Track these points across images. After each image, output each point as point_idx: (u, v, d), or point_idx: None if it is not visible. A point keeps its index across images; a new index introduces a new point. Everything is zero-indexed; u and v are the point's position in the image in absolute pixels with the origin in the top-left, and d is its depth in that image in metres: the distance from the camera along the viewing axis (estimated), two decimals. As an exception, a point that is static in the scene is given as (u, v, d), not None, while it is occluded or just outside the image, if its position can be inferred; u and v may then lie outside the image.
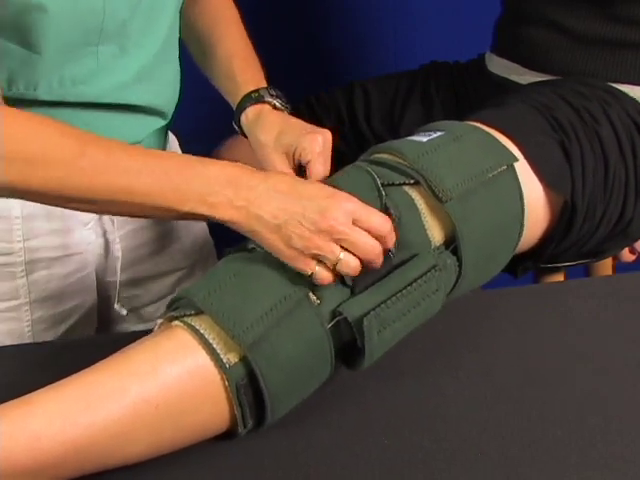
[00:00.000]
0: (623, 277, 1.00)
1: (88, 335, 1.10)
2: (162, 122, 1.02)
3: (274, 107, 0.97)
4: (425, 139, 0.86)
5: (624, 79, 1.06)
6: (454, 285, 0.83)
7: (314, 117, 1.33)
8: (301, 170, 0.91)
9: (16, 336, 1.00)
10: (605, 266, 1.33)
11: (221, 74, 1.04)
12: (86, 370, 0.71)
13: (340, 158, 0.96)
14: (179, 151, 1.18)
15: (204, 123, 1.38)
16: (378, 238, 0.75)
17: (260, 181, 0.75)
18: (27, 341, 1.00)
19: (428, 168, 0.82)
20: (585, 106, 0.99)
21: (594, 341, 0.87)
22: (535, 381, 0.82)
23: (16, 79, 0.86)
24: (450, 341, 0.88)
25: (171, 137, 1.15)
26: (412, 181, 0.82)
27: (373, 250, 0.74)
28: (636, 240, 1.10)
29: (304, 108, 1.34)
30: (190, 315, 0.73)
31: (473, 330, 0.90)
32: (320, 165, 0.88)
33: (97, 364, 0.71)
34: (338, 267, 0.74)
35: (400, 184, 0.82)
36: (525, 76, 1.14)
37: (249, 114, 0.97)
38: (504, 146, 0.88)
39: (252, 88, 0.98)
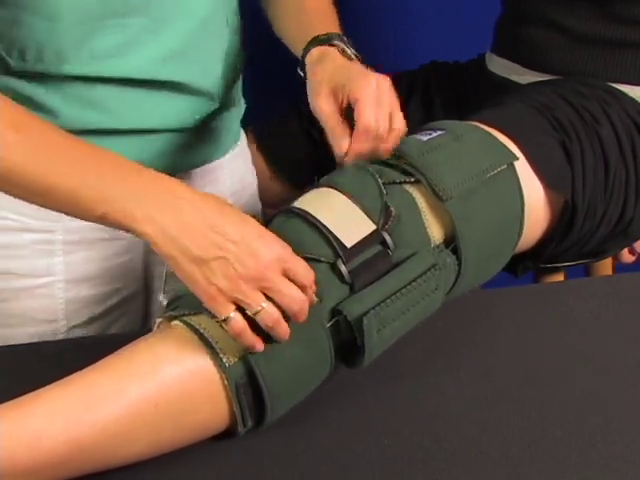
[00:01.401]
0: (623, 277, 1.00)
1: (89, 335, 1.10)
2: (213, 105, 0.98)
3: (342, 52, 0.91)
4: (425, 138, 0.86)
5: (624, 79, 1.06)
6: (453, 284, 0.83)
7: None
8: (349, 115, 0.86)
9: (49, 312, 0.99)
10: (605, 266, 1.33)
11: (291, 23, 1.01)
12: (86, 370, 0.71)
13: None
14: (247, 154, 1.16)
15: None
16: (301, 288, 0.71)
17: (187, 202, 0.70)
18: (60, 318, 0.99)
19: (429, 167, 0.82)
20: (585, 106, 0.99)
21: (594, 341, 0.87)
22: (535, 381, 0.82)
23: (44, 51, 0.86)
24: (450, 341, 0.88)
25: (243, 136, 1.14)
26: (412, 179, 0.82)
27: (298, 302, 0.70)
28: (636, 240, 1.10)
29: (305, 108, 1.33)
30: (189, 314, 0.73)
31: (473, 330, 0.90)
32: (369, 109, 0.83)
33: (97, 363, 0.71)
34: (258, 317, 0.69)
35: (400, 182, 0.82)
36: (525, 76, 1.14)
37: (314, 54, 0.92)
38: (504, 145, 0.88)
39: (324, 31, 0.93)
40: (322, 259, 0.76)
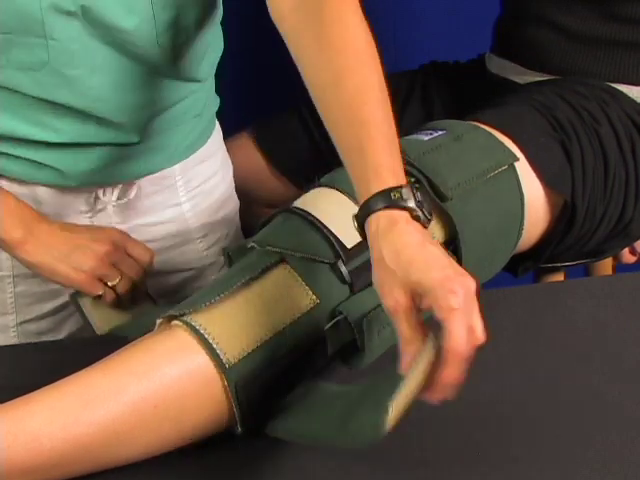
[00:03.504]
0: (623, 277, 1.00)
1: (88, 335, 1.10)
2: (126, 138, 0.95)
3: (415, 218, 0.68)
4: (426, 138, 0.86)
5: (623, 79, 1.06)
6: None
7: (315, 117, 1.32)
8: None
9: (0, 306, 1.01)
10: (605, 266, 1.33)
11: (345, 142, 0.74)
12: (85, 370, 0.71)
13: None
14: (220, 152, 1.15)
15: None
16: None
17: (46, 220, 0.92)
18: (10, 312, 1.01)
19: (429, 167, 0.82)
20: (584, 106, 0.99)
21: (594, 341, 0.87)
22: (535, 381, 0.82)
23: None
24: (450, 341, 0.87)
25: (215, 134, 1.12)
26: (413, 180, 0.82)
27: (138, 272, 0.94)
28: (636, 240, 1.10)
29: (305, 108, 1.33)
30: (189, 313, 0.73)
31: (473, 330, 0.89)
32: (456, 330, 0.62)
33: (96, 363, 0.72)
34: (118, 287, 0.92)
35: None
36: (524, 76, 1.14)
37: (380, 221, 0.67)
38: (505, 146, 0.88)
39: (389, 180, 0.68)
40: (322, 259, 0.76)
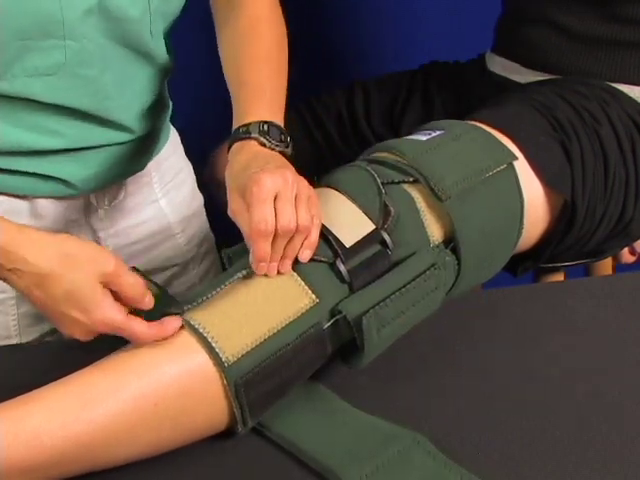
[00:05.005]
0: (623, 277, 1.00)
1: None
2: (125, 136, 0.97)
3: (261, 144, 0.83)
4: (424, 138, 0.86)
5: (623, 79, 1.06)
6: (453, 283, 0.83)
7: (315, 117, 1.33)
8: None
9: (4, 329, 1.00)
10: (605, 266, 1.33)
11: (233, 96, 0.91)
12: (85, 369, 0.71)
13: (340, 158, 0.96)
14: (180, 148, 1.17)
15: (207, 123, 1.38)
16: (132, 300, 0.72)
17: (29, 249, 0.72)
18: (13, 334, 1.00)
19: (427, 167, 0.82)
20: (585, 106, 0.99)
21: (594, 341, 0.87)
22: (535, 381, 0.82)
23: None
24: (450, 340, 0.88)
25: (172, 131, 1.14)
26: (411, 179, 0.82)
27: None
28: (636, 239, 1.10)
29: (305, 109, 1.34)
30: (188, 311, 0.73)
31: (473, 329, 0.89)
32: (257, 210, 0.73)
33: (96, 363, 0.72)
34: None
35: (399, 182, 0.82)
36: (525, 76, 1.14)
37: (232, 149, 0.85)
38: (504, 145, 0.88)
39: (248, 120, 0.85)
40: (321, 259, 0.76)
